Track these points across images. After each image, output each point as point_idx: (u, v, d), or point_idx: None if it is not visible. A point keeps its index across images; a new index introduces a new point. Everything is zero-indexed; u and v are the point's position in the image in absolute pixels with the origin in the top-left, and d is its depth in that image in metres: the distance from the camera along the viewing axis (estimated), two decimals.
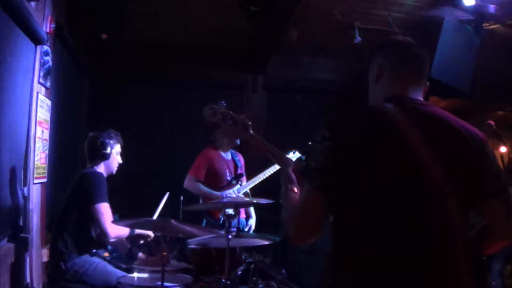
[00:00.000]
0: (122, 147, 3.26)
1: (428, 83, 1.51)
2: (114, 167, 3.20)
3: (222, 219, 3.96)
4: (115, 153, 3.18)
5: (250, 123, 1.91)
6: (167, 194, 3.59)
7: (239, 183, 4.16)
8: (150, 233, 3.14)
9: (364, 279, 1.29)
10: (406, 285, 1.26)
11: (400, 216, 1.28)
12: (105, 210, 2.87)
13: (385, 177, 1.29)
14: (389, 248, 1.28)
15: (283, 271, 2.88)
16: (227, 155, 4.26)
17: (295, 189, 1.61)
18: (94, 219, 2.89)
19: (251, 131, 1.90)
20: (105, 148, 3.10)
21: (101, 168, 3.11)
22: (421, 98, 1.46)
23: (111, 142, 3.14)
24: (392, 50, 1.51)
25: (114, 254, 3.21)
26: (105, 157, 3.11)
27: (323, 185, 1.33)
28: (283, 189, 1.64)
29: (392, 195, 1.28)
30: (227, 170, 4.20)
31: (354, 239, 1.32)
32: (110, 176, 3.19)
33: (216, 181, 4.13)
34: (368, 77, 1.55)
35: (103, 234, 2.86)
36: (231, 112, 1.91)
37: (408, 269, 1.26)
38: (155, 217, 3.34)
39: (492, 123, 2.67)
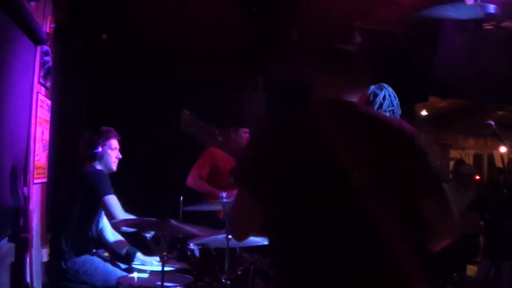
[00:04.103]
0: (120, 142, 3.16)
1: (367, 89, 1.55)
2: (112, 163, 3.10)
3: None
4: (108, 149, 3.08)
5: (217, 132, 1.96)
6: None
7: None
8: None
9: (290, 282, 1.35)
10: None
11: (319, 220, 1.31)
12: (114, 201, 2.86)
13: (302, 182, 1.32)
14: (311, 255, 1.32)
15: None
16: None
17: None
18: (102, 213, 2.90)
19: (220, 139, 1.95)
20: (95, 148, 3.03)
21: (99, 167, 3.07)
22: (354, 100, 1.47)
23: (101, 140, 3.06)
24: (328, 57, 1.54)
25: (115, 254, 3.21)
26: (97, 156, 3.05)
27: (253, 190, 1.39)
28: None
29: (310, 199, 1.32)
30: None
31: (281, 244, 1.40)
32: (110, 175, 3.15)
33: (219, 180, 4.11)
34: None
35: (114, 226, 2.88)
36: (200, 123, 1.95)
37: (332, 276, 1.28)
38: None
39: (492, 123, 2.67)
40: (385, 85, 2.71)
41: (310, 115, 1.40)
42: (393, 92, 2.71)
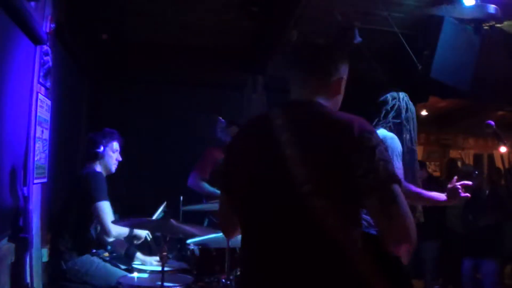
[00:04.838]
0: (121, 145, 3.21)
1: (338, 78, 1.53)
2: (112, 165, 3.16)
3: None
4: (110, 151, 3.14)
5: None
6: (165, 203, 3.51)
7: None
8: (142, 234, 3.12)
9: (240, 277, 1.47)
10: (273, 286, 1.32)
11: (263, 216, 1.36)
12: (106, 208, 2.88)
13: (250, 180, 1.39)
14: (254, 249, 1.39)
15: None
16: None
17: None
18: (95, 218, 2.90)
19: None
20: (98, 147, 3.08)
21: (99, 168, 3.10)
22: (316, 97, 1.45)
23: (104, 140, 3.11)
24: (289, 55, 1.57)
25: (114, 254, 3.21)
26: (98, 156, 3.09)
27: (225, 187, 1.52)
28: None
29: (255, 196, 1.38)
30: None
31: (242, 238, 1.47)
32: (110, 176, 3.18)
33: None
34: None
35: (105, 232, 2.87)
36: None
37: (272, 269, 1.32)
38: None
39: (492, 123, 2.66)
40: (402, 95, 2.65)
41: (268, 116, 1.43)
42: (408, 103, 2.64)
